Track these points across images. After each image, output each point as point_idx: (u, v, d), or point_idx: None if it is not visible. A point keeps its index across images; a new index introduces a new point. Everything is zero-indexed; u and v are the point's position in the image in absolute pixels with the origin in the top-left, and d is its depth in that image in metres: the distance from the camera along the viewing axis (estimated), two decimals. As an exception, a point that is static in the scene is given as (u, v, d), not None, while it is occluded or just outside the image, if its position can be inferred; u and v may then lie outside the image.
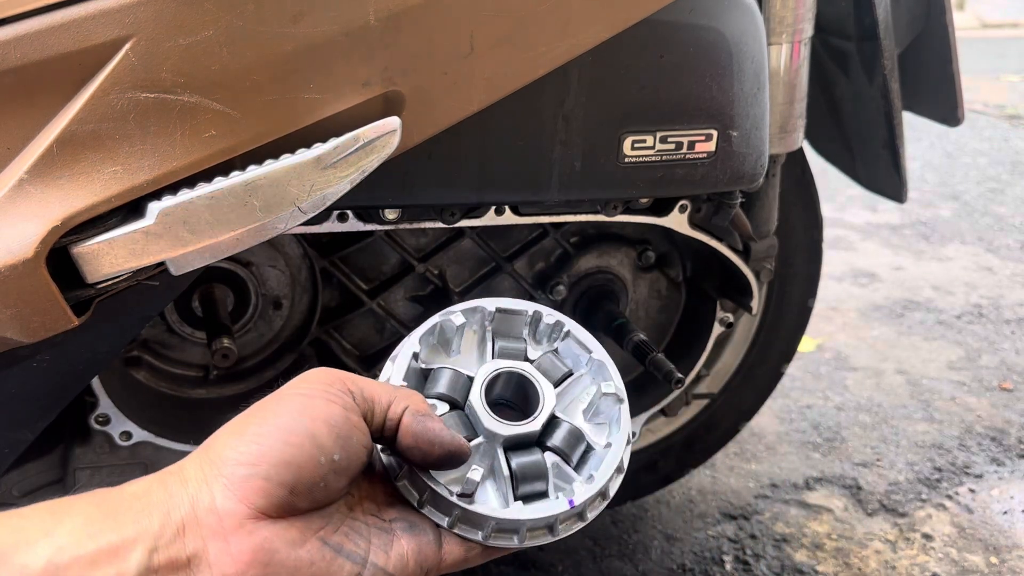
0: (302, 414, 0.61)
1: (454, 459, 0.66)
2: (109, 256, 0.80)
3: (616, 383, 0.76)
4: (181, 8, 0.79)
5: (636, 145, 1.08)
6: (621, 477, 0.73)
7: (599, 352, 0.78)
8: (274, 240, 1.21)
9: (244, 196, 0.80)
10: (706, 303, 1.40)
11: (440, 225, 1.14)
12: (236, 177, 0.80)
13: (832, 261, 2.90)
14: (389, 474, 0.69)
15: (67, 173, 0.78)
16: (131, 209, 0.81)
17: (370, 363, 1.31)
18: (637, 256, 1.38)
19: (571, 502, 0.69)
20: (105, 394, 1.10)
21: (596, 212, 1.19)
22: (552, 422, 0.73)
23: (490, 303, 0.78)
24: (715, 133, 1.10)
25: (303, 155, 0.82)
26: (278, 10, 0.82)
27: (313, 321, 1.28)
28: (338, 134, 0.83)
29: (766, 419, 2.07)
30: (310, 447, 0.60)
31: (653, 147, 1.09)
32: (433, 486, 0.67)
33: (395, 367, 0.73)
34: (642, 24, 1.00)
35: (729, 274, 1.34)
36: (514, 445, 0.72)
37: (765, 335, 1.56)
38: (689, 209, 1.23)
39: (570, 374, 0.77)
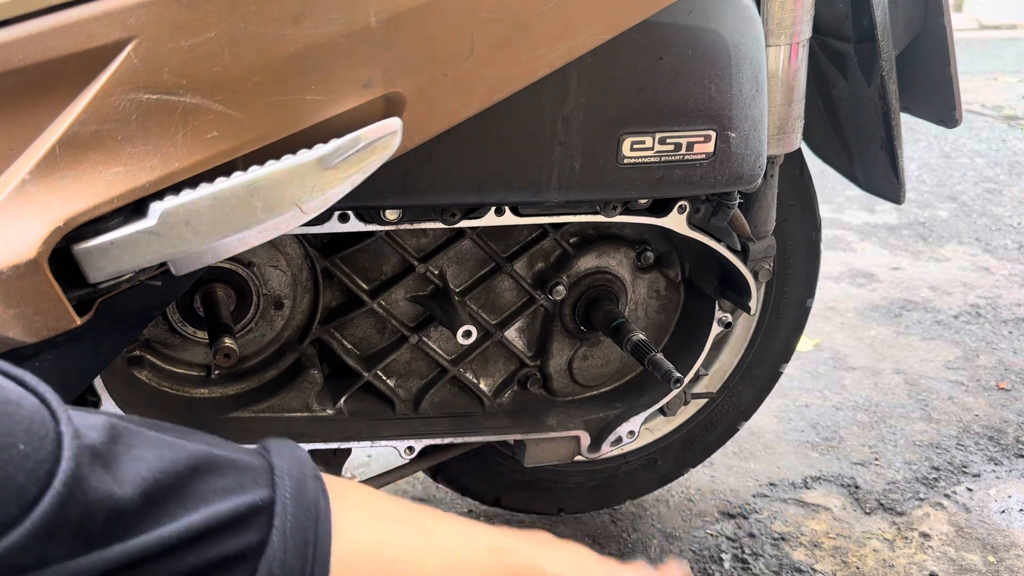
0: None
1: None
2: (111, 256, 0.80)
3: None
4: (183, 10, 0.79)
5: (635, 146, 1.09)
6: None
7: None
8: (275, 240, 1.22)
9: (246, 197, 0.81)
10: (705, 303, 1.40)
11: (440, 226, 1.15)
12: (238, 177, 0.81)
13: (830, 261, 2.90)
14: None
15: (69, 174, 0.79)
16: (133, 209, 0.81)
17: (371, 362, 1.32)
18: (636, 256, 1.38)
19: None
20: (107, 393, 1.11)
21: (595, 213, 1.19)
22: None
23: None
24: (713, 134, 1.11)
25: (305, 156, 0.82)
26: (279, 12, 0.82)
27: (314, 321, 1.29)
28: (339, 135, 0.83)
29: (764, 418, 2.08)
30: None
31: (652, 148, 1.10)
32: None
33: None
34: (641, 26, 1.00)
35: (727, 274, 1.35)
36: None
37: (763, 335, 1.57)
38: (688, 210, 1.24)
39: None
